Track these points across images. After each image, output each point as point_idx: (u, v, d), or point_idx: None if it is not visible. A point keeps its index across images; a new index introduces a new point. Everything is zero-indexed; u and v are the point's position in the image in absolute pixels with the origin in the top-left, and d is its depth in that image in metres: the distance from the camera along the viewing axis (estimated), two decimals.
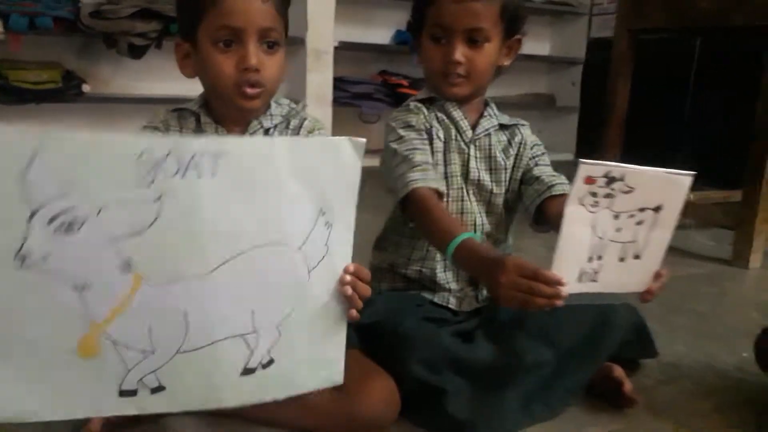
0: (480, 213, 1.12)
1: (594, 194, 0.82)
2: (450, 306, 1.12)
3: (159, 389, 0.71)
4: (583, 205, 0.82)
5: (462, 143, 1.12)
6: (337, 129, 3.00)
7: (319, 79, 2.99)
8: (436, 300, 1.12)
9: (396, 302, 1.06)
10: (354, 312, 0.78)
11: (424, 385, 0.94)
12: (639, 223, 0.87)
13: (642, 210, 0.86)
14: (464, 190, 1.11)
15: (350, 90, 3.20)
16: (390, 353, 0.96)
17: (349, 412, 0.90)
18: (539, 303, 0.82)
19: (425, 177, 1.01)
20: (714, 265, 1.89)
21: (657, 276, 0.94)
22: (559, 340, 1.04)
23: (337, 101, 3.12)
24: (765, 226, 1.82)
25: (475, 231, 1.10)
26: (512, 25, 1.08)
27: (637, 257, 0.90)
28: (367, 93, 3.22)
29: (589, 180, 0.80)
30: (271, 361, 0.76)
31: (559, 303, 0.83)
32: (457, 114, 1.11)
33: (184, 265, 0.67)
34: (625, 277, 0.90)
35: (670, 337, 1.34)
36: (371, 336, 1.01)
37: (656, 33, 2.52)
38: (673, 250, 1.97)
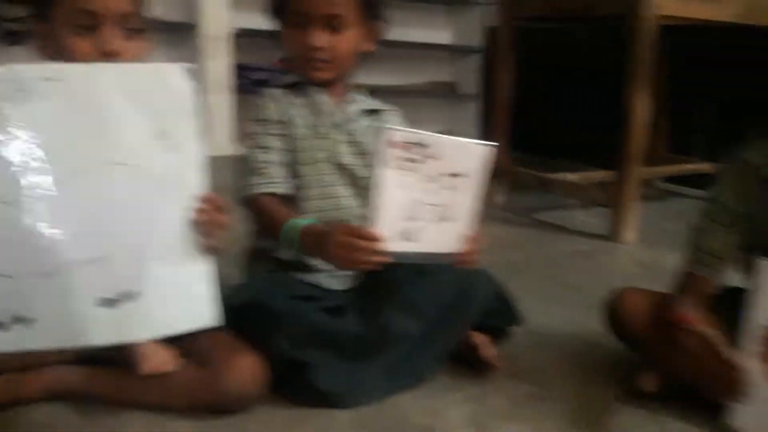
0: (349, 196, 1.14)
1: (406, 159, 0.89)
2: (324, 286, 1.14)
3: (23, 320, 0.71)
4: (397, 168, 0.89)
5: (328, 128, 1.13)
6: (241, 116, 2.96)
7: (217, 66, 2.93)
8: (310, 280, 1.13)
9: (267, 283, 1.07)
10: (212, 242, 0.81)
11: (291, 360, 0.95)
12: (448, 187, 0.94)
13: (450, 176, 0.94)
14: (332, 175, 1.13)
15: (251, 77, 3.16)
16: (257, 330, 0.96)
17: (215, 388, 0.90)
18: (365, 259, 0.89)
19: (261, 182, 1.06)
20: (593, 241, 2.00)
21: (473, 240, 1.01)
22: (425, 310, 1.08)
23: (239, 88, 3.08)
24: (636, 204, 1.95)
25: (344, 214, 1.12)
26: (371, 11, 1.11)
27: (449, 220, 0.97)
28: (267, 80, 3.18)
29: (397, 145, 0.87)
30: (134, 294, 0.76)
31: (384, 259, 0.90)
32: (321, 99, 1.13)
33: (29, 186, 0.70)
34: (442, 238, 0.97)
35: (543, 307, 1.42)
36: (242, 317, 1.01)
37: (542, 21, 2.63)
38: (557, 228, 2.14)
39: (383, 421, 0.95)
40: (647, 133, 1.94)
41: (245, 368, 0.92)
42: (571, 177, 2.26)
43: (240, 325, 0.98)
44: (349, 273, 1.15)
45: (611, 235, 2.00)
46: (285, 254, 1.13)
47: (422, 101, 4.07)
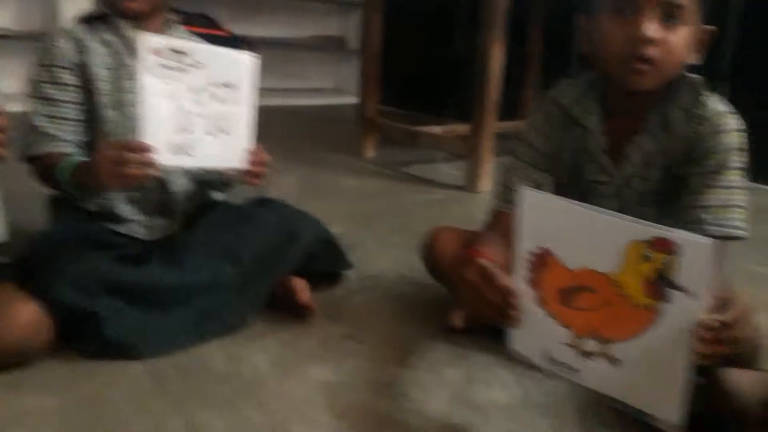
0: None
1: (167, 66, 0.88)
2: (138, 236, 1.09)
3: None
4: (158, 77, 0.88)
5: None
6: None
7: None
8: (122, 231, 1.08)
9: (58, 231, 1.01)
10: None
11: (78, 310, 0.90)
12: (218, 99, 0.94)
13: (217, 86, 0.94)
14: None
15: None
16: (41, 279, 0.91)
17: None
18: (134, 172, 0.88)
19: (43, 142, 1.02)
20: (450, 191, 2.04)
21: (255, 154, 1.00)
22: (242, 256, 1.06)
23: None
24: (490, 155, 1.99)
25: None
26: None
27: (224, 132, 0.96)
28: None
29: (156, 52, 0.87)
30: None
31: (153, 171, 0.89)
32: (130, 34, 1.05)
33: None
34: (219, 152, 0.97)
35: (382, 252, 1.43)
36: (27, 267, 0.95)
37: None
38: (421, 180, 2.16)
39: (181, 370, 0.92)
40: (501, 84, 1.96)
41: (25, 319, 0.86)
42: (436, 130, 2.29)
43: (25, 275, 0.93)
44: (160, 222, 1.11)
45: (468, 186, 2.04)
46: (93, 206, 1.06)
47: (308, 55, 3.99)
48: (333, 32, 4.06)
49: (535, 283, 0.74)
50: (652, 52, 0.88)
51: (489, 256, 0.84)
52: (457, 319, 1.06)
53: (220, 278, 1.03)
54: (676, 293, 0.63)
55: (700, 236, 0.61)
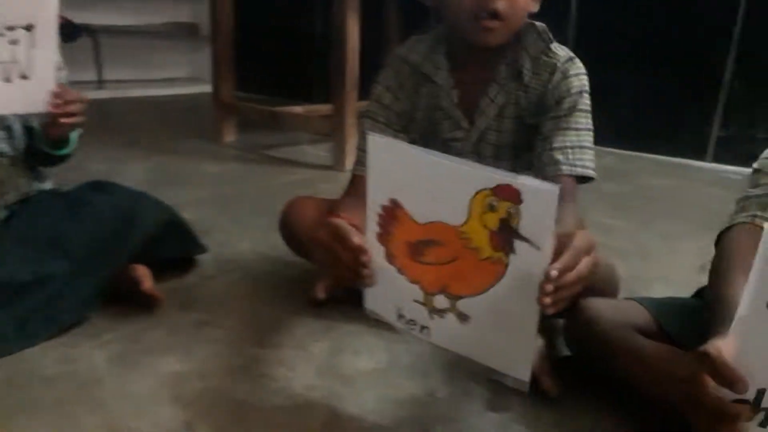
0: None
1: None
2: None
3: None
4: None
5: None
6: None
7: None
8: None
9: None
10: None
11: None
12: (14, 42, 0.88)
13: (12, 29, 0.87)
14: None
15: None
16: None
17: None
18: None
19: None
20: (318, 171, 1.98)
21: (60, 96, 0.94)
22: (72, 247, 0.94)
23: None
24: (355, 132, 1.95)
25: None
26: None
27: (24, 77, 0.90)
28: None
29: None
30: None
31: None
32: None
33: None
34: (18, 97, 0.91)
35: (242, 235, 1.34)
36: None
37: None
38: (285, 162, 2.08)
39: (5, 378, 0.79)
40: (360, 61, 1.92)
41: None
42: (297, 110, 2.21)
43: None
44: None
45: (335, 165, 1.99)
46: None
47: (160, 44, 3.74)
48: (185, 18, 3.84)
49: (385, 238, 0.71)
50: (500, 6, 0.87)
51: (347, 219, 0.79)
52: (320, 291, 1.00)
53: (46, 273, 0.90)
54: (520, 244, 0.61)
55: (544, 183, 0.58)
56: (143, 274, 0.98)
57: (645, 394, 0.73)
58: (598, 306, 0.78)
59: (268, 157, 2.16)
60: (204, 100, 3.10)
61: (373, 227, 0.71)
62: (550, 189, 0.57)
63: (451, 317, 0.69)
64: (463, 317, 0.68)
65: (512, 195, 0.59)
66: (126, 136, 2.31)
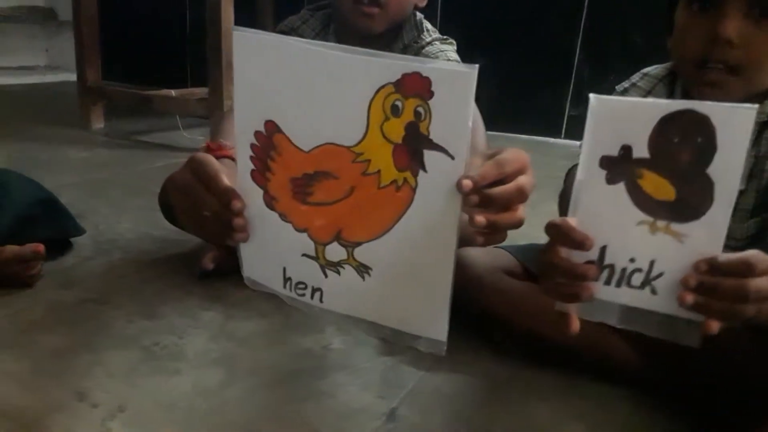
0: None
1: None
2: None
3: None
4: None
5: None
6: None
7: None
8: None
9: None
10: None
11: None
12: None
13: None
14: None
15: None
16: None
17: None
18: None
19: None
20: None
21: None
22: None
23: None
24: (231, 114, 1.93)
25: None
26: None
27: None
28: None
29: None
30: None
31: None
32: None
33: None
34: None
35: (119, 216, 1.30)
36: None
37: None
38: (159, 146, 2.02)
39: None
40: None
41: None
42: (171, 93, 2.15)
43: None
44: None
45: None
46: None
47: (12, 29, 3.45)
48: (39, 3, 3.57)
49: (263, 176, 0.56)
50: None
51: (227, 151, 0.75)
52: (207, 262, 1.00)
53: None
54: (431, 155, 0.50)
55: (459, 64, 0.48)
56: (15, 253, 0.92)
57: (515, 328, 0.82)
58: (472, 253, 0.85)
59: (141, 142, 2.08)
60: (66, 89, 2.91)
61: (246, 163, 0.56)
62: (468, 71, 0.46)
63: (348, 271, 0.57)
64: (362, 269, 0.57)
65: (421, 87, 0.48)
66: None
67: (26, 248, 0.92)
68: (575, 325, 0.57)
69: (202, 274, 1.01)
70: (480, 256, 0.85)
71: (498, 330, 0.84)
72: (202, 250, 1.03)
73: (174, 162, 1.83)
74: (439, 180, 0.50)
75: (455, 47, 1.02)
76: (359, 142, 0.52)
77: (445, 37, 1.03)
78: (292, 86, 0.53)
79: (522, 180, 0.53)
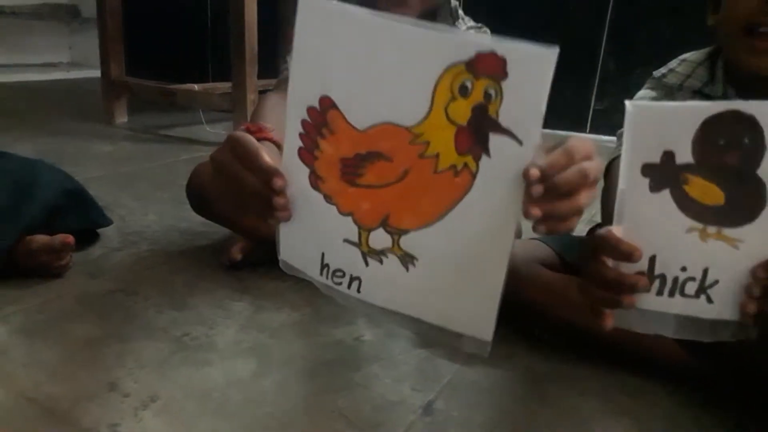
0: None
1: None
2: None
3: None
4: None
5: None
6: None
7: None
8: None
9: None
10: None
11: None
12: None
13: None
14: None
15: None
16: None
17: None
18: None
19: None
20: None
21: None
22: None
23: None
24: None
25: None
26: None
27: None
28: None
29: None
30: None
31: None
32: None
33: None
34: None
35: (146, 208, 1.30)
36: None
37: None
38: (184, 140, 2.02)
39: None
40: (258, 37, 1.89)
41: None
42: (194, 87, 2.15)
43: None
44: None
45: None
46: None
47: (37, 26, 3.48)
48: (62, 0, 3.59)
49: (311, 155, 0.53)
50: None
51: (266, 134, 0.70)
52: (236, 252, 0.99)
53: None
54: (498, 139, 0.46)
55: (540, 46, 0.44)
56: (45, 243, 0.92)
57: (553, 320, 0.79)
58: None
59: (165, 136, 2.08)
60: (89, 86, 2.93)
61: (294, 141, 0.53)
62: (549, 52, 0.44)
63: (392, 261, 0.53)
64: (407, 259, 0.53)
65: (496, 67, 0.44)
66: (4, 120, 2.14)
67: (56, 239, 0.91)
68: (610, 321, 0.55)
69: (230, 266, 0.99)
70: (516, 248, 0.83)
71: (536, 322, 0.82)
72: (230, 241, 1.02)
73: (198, 156, 1.82)
74: (503, 167, 0.47)
75: (489, 35, 1.00)
76: (420, 123, 0.48)
77: (479, 25, 1.01)
78: (355, 59, 0.49)
79: (586, 164, 0.49)
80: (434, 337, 0.55)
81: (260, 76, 1.95)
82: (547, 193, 0.46)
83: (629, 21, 2.37)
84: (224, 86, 2.15)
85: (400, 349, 0.79)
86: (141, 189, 1.45)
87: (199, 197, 1.02)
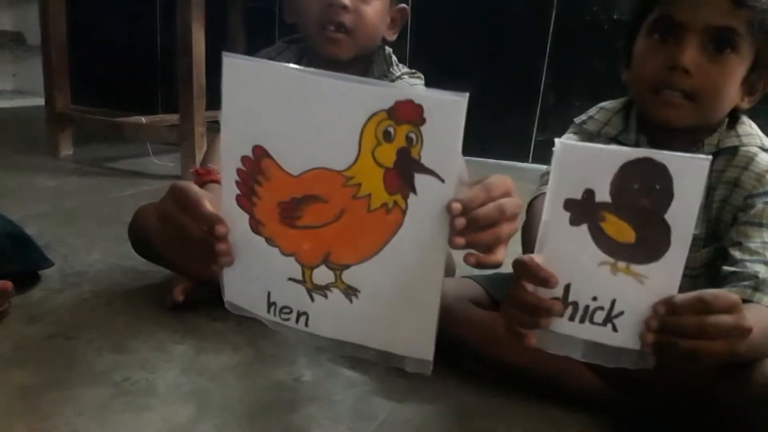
0: None
1: None
2: None
3: None
4: None
5: None
6: None
7: None
8: None
9: None
10: None
11: None
12: None
13: None
14: None
15: None
16: None
17: None
18: None
19: None
20: (166, 182, 1.86)
21: None
22: None
23: None
24: (204, 141, 1.94)
25: None
26: None
27: None
28: None
29: None
30: None
31: None
32: None
33: None
34: None
35: (88, 247, 1.29)
36: None
37: None
38: (130, 174, 2.01)
39: None
40: (206, 69, 1.91)
41: None
42: (141, 120, 2.15)
43: None
44: None
45: (183, 175, 1.95)
46: None
47: None
48: (7, 26, 3.53)
49: (249, 201, 0.57)
50: (346, 18, 0.94)
51: (215, 176, 0.75)
52: (179, 294, 1.00)
53: None
54: (422, 178, 0.52)
55: (450, 93, 0.49)
56: None
57: (483, 356, 0.84)
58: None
59: (111, 169, 2.07)
60: (34, 114, 2.87)
61: (231, 188, 0.57)
62: (459, 99, 0.49)
63: (336, 294, 0.58)
64: (350, 292, 0.58)
65: (413, 114, 0.50)
66: None
67: None
68: (531, 340, 0.60)
69: (173, 305, 1.01)
70: (448, 286, 0.87)
71: (467, 359, 0.86)
72: (172, 281, 1.03)
73: (145, 189, 1.82)
74: (429, 203, 0.52)
75: (423, 81, 1.06)
76: (350, 167, 0.53)
77: (413, 71, 1.06)
78: (283, 111, 0.53)
79: (504, 200, 0.55)
80: (384, 365, 0.62)
81: (208, 107, 1.97)
82: (470, 225, 0.53)
83: (567, 56, 2.49)
84: (172, 118, 2.15)
85: (337, 389, 0.82)
86: (85, 226, 1.44)
87: (141, 240, 1.04)
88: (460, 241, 0.53)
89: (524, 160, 2.58)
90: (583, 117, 0.92)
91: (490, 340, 0.82)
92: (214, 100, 2.03)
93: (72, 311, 1.00)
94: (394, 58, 1.05)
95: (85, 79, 2.73)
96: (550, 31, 2.48)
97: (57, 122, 2.14)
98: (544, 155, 2.52)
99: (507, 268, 0.62)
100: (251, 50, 1.10)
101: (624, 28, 0.85)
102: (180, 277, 1.02)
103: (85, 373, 0.82)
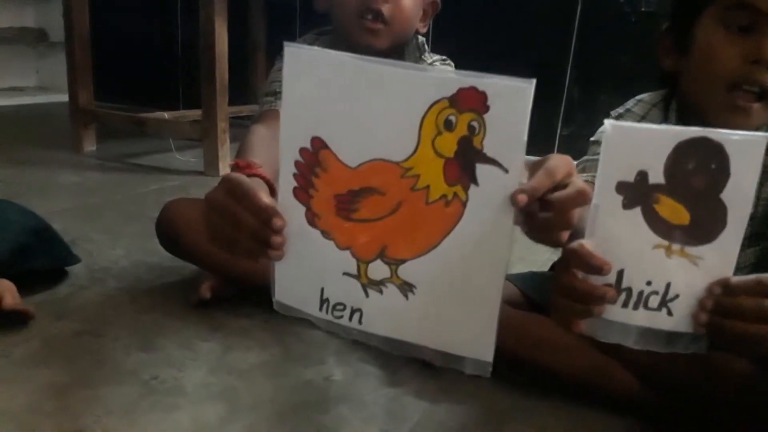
0: None
1: None
2: None
3: None
4: None
5: None
6: None
7: None
8: None
9: None
10: None
11: None
12: None
13: None
14: None
15: None
16: None
17: None
18: None
19: None
20: (189, 177, 1.93)
21: None
22: None
23: None
24: (226, 137, 1.93)
25: None
26: None
27: None
28: None
29: None
30: None
31: None
32: None
33: None
34: None
35: (113, 243, 1.29)
36: None
37: None
38: (153, 169, 2.01)
39: None
40: (228, 63, 1.90)
41: None
42: (164, 116, 2.15)
43: None
44: None
45: (206, 170, 1.95)
46: None
47: (4, 49, 3.43)
48: (30, 24, 3.56)
49: (306, 194, 0.56)
50: (384, 8, 0.92)
51: (256, 171, 0.70)
52: (205, 290, 0.99)
53: None
54: (484, 169, 0.50)
55: (517, 79, 0.48)
56: (6, 287, 0.91)
57: (518, 359, 0.81)
58: None
59: (134, 165, 2.07)
60: (57, 111, 2.90)
61: (288, 181, 0.56)
62: (526, 86, 0.47)
63: (391, 290, 0.56)
64: (406, 287, 0.56)
65: (477, 102, 0.48)
66: None
67: (18, 306, 0.90)
68: (580, 327, 0.58)
69: (200, 302, 1.00)
70: None
71: (500, 360, 0.84)
72: (199, 278, 1.02)
73: (168, 185, 1.82)
74: (491, 194, 0.50)
75: (454, 67, 1.04)
76: (409, 157, 0.51)
77: (444, 57, 1.04)
78: (342, 102, 0.52)
79: (581, 183, 0.53)
80: (442, 366, 0.57)
81: (231, 103, 1.96)
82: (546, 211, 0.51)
83: (592, 50, 2.44)
84: (195, 113, 2.15)
85: (368, 389, 0.81)
86: (109, 222, 1.44)
87: (169, 235, 1.03)
88: (523, 198, 0.49)
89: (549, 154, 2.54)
90: (620, 110, 0.89)
91: (524, 341, 0.80)
92: (235, 96, 2.04)
93: (98, 308, 1.00)
94: (426, 46, 1.03)
95: (108, 75, 2.75)
96: (576, 24, 2.44)
97: (80, 118, 2.15)
98: (568, 150, 2.47)
99: (543, 267, 0.60)
100: (271, 42, 1.08)
101: (655, 18, 0.81)
102: (207, 273, 1.01)
103: (113, 371, 0.82)
